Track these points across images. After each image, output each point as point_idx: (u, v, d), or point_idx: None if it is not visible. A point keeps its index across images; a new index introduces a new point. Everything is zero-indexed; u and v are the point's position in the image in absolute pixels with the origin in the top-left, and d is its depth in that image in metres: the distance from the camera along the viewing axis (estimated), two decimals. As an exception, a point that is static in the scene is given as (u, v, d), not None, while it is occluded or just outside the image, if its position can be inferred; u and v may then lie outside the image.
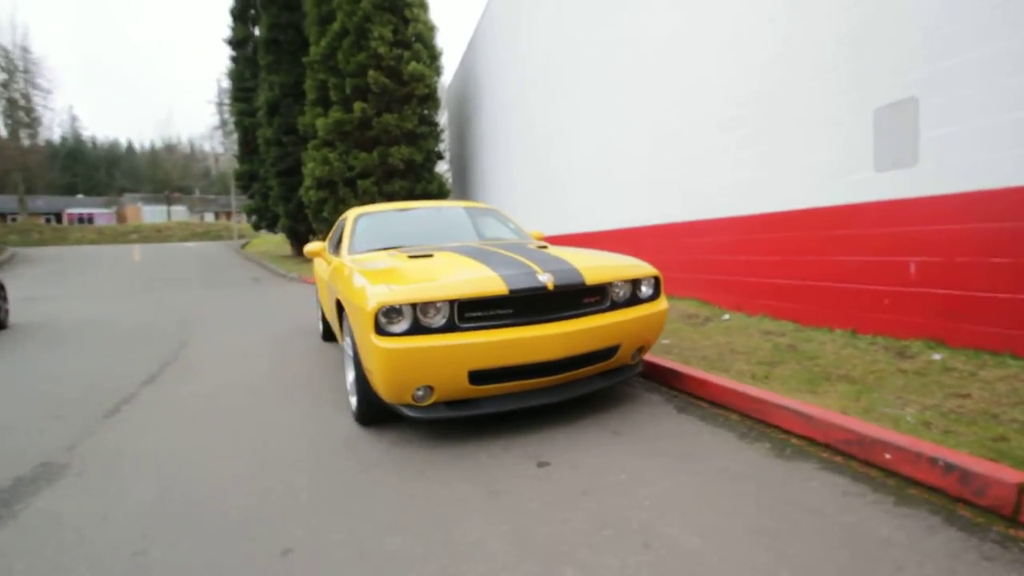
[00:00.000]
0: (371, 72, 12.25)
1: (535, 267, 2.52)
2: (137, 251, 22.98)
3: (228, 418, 3.01)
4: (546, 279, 2.42)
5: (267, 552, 1.65)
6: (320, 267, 4.29)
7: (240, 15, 18.19)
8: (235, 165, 21.13)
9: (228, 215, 43.22)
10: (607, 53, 6.60)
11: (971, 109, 2.80)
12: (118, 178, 52.12)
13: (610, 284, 2.64)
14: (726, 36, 4.56)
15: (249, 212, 18.74)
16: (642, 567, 1.48)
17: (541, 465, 2.17)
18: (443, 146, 14.78)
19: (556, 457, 2.23)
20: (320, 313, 5.30)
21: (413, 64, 12.75)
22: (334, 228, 4.92)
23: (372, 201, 12.88)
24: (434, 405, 2.36)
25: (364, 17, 12.35)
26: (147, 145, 55.31)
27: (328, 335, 5.02)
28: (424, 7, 13.57)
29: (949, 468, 1.75)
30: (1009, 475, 1.62)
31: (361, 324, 2.31)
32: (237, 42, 18.13)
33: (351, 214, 4.03)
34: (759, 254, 4.34)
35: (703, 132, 4.92)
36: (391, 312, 2.23)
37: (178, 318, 7.20)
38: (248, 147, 18.20)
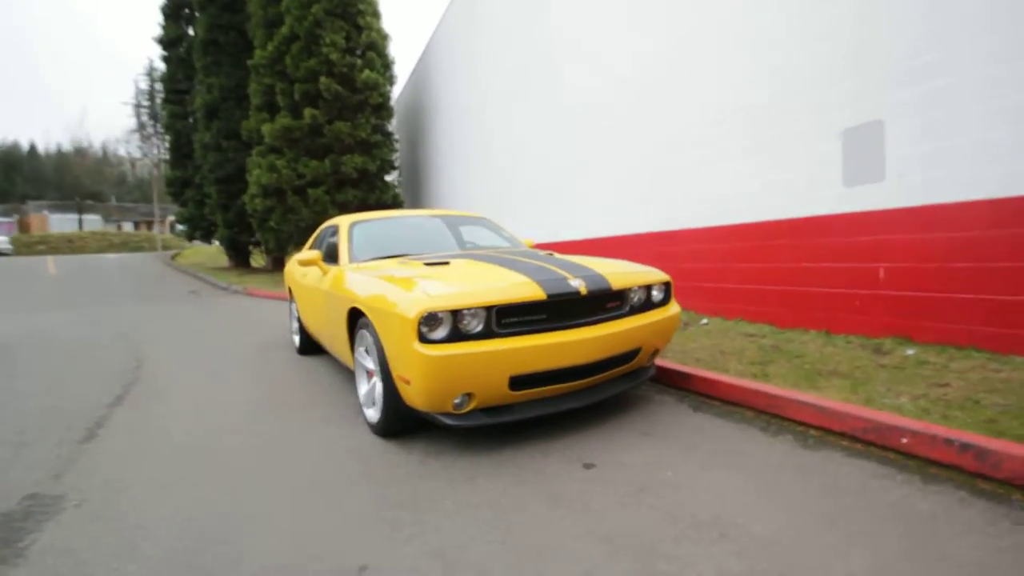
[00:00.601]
0: (323, 79, 11.94)
1: (564, 273, 2.56)
2: (51, 263, 20.82)
3: (229, 439, 2.81)
4: (578, 284, 2.47)
5: (342, 571, 1.57)
6: (306, 277, 4.11)
7: (172, 13, 17.12)
8: (153, 171, 19.65)
9: (150, 224, 40.20)
10: (570, 75, 6.82)
11: (933, 132, 3.17)
12: (19, 184, 47.05)
13: (630, 289, 2.73)
14: (709, 58, 4.86)
15: (182, 221, 17.51)
16: (727, 555, 1.55)
17: (587, 467, 2.20)
18: (395, 156, 14.57)
19: (598, 459, 2.27)
20: (296, 325, 5.07)
21: (367, 72, 12.55)
22: (316, 238, 4.74)
23: (324, 211, 12.46)
24: (472, 412, 2.34)
25: (315, 22, 12.04)
26: (53, 148, 50.47)
27: (308, 348, 4.80)
28: (377, 15, 13.41)
29: (965, 447, 1.96)
30: (1020, 450, 1.84)
31: (397, 332, 2.25)
32: (169, 41, 17.01)
33: (343, 222, 3.90)
34: (734, 262, 4.62)
35: (676, 149, 5.19)
36: (431, 319, 2.20)
37: (121, 334, 6.60)
38: (181, 152, 17.05)
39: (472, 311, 2.25)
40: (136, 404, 3.58)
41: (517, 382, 2.31)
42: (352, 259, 3.41)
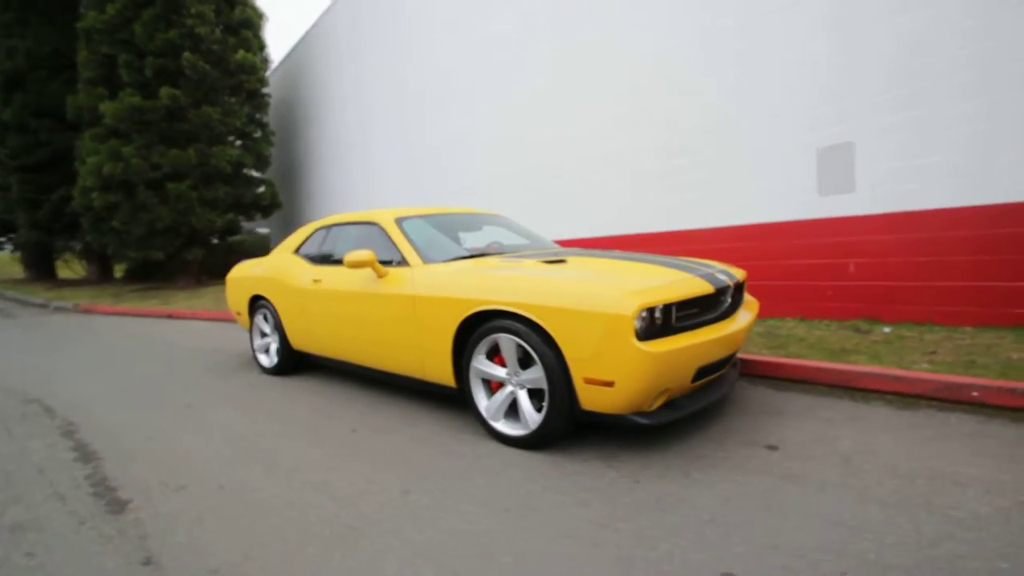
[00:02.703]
0: (187, 54, 10.20)
1: (708, 269, 2.69)
2: None
3: (341, 471, 2.33)
4: (726, 278, 2.62)
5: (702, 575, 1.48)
6: (324, 282, 3.54)
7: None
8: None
9: None
10: (524, 70, 6.95)
11: (900, 153, 4.01)
12: None
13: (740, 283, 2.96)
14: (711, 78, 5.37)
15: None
16: (984, 496, 1.83)
17: (771, 448, 2.35)
18: (271, 150, 12.99)
19: (770, 439, 2.44)
20: (264, 341, 4.35)
21: (243, 53, 11.08)
22: (305, 240, 4.10)
23: (190, 210, 10.65)
24: (661, 409, 2.32)
25: (177, -13, 10.22)
26: None
27: (287, 367, 4.13)
28: (250, -10, 11.88)
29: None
30: (1069, 391, 2.49)
31: (599, 332, 2.14)
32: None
33: (384, 217, 3.45)
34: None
35: (642, 157, 5.66)
36: (645, 315, 2.15)
37: (-44, 372, 4.84)
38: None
39: (666, 307, 2.25)
40: (116, 453, 2.74)
41: (699, 374, 2.36)
42: (427, 259, 3.06)
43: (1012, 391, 2.61)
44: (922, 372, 2.96)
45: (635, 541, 1.70)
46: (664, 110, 5.45)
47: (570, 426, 2.39)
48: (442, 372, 2.83)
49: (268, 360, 4.34)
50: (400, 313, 2.97)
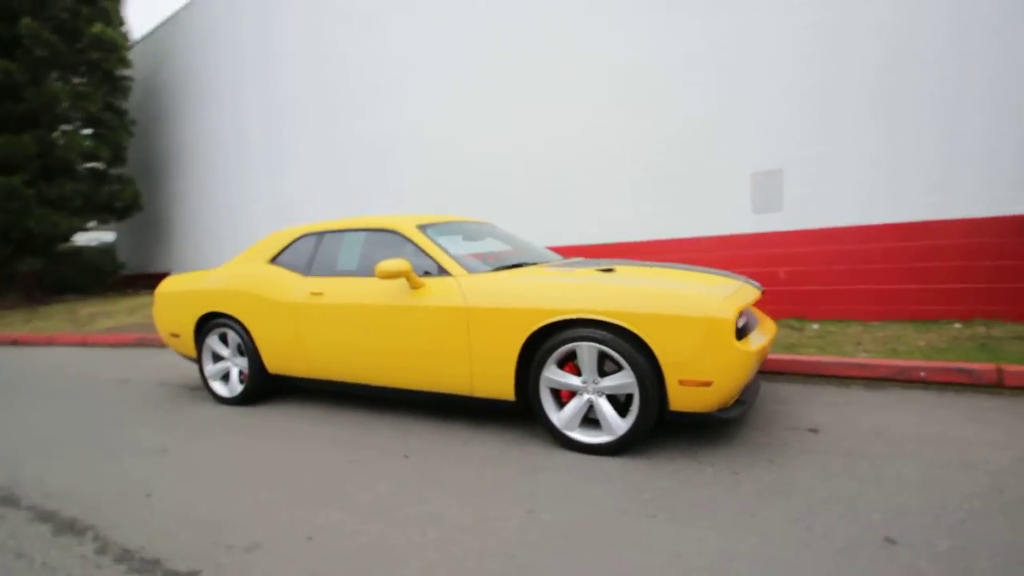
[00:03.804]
0: (27, 20, 8.35)
1: (740, 277, 2.99)
2: None
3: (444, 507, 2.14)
4: (757, 284, 2.94)
5: (871, 543, 1.69)
6: (326, 296, 3.19)
7: None
8: None
9: None
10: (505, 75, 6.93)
11: (821, 180, 4.83)
12: None
13: (746, 289, 3.34)
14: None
15: None
16: (993, 450, 2.33)
17: (812, 431, 2.69)
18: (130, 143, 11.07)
19: (803, 423, 2.78)
20: (220, 366, 3.80)
21: (101, 27, 9.34)
22: (292, 243, 3.66)
23: (26, 211, 8.68)
24: (733, 405, 2.53)
25: (9, -64, 8.32)
26: None
27: (254, 395, 3.65)
28: (106, -47, 10.05)
29: (961, 370, 3.29)
30: (987, 366, 3.24)
31: (700, 335, 2.27)
32: None
33: (404, 225, 3.21)
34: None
35: (602, 171, 6.02)
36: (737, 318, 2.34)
37: None
38: None
39: (742, 311, 2.47)
40: (109, 518, 2.23)
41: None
42: (470, 269, 2.94)
43: (947, 370, 3.32)
44: (877, 359, 3.61)
45: (789, 525, 1.86)
46: (632, 136, 5.86)
47: (646, 429, 2.48)
48: (499, 386, 2.74)
49: (227, 389, 3.76)
50: (447, 326, 2.81)
